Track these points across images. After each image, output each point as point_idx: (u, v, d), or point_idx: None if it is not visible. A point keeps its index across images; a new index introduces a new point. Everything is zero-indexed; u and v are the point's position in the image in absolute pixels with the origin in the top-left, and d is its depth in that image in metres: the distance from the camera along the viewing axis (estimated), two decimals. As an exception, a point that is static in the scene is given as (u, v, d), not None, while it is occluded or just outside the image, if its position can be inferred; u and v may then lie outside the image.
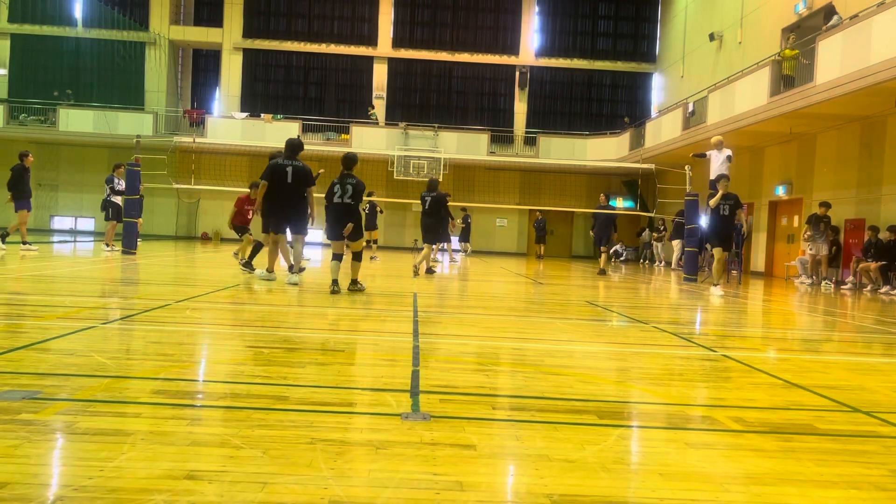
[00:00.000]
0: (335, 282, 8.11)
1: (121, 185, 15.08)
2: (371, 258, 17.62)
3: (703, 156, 14.26)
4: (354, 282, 8.36)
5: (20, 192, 13.39)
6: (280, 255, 9.64)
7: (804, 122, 15.86)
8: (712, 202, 10.57)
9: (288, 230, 9.30)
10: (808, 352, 5.76)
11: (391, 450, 2.46)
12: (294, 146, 8.83)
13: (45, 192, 27.36)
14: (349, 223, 8.17)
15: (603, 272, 15.20)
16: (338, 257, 8.38)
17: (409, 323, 5.89)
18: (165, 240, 24.98)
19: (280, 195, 8.67)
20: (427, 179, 13.07)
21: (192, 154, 23.64)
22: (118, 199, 15.07)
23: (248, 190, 12.00)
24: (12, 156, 14.04)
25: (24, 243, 13.33)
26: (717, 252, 10.98)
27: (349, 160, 8.43)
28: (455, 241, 22.72)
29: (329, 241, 8.67)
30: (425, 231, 12.27)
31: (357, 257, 8.66)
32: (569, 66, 29.52)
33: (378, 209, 18.67)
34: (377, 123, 27.50)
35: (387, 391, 3.38)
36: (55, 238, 21.30)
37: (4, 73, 28.28)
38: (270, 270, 9.31)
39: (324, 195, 8.51)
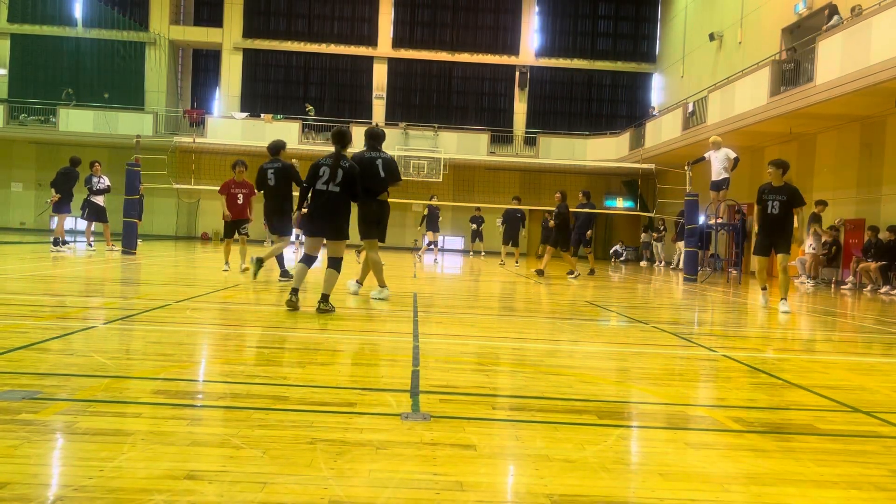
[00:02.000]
0: (295, 291, 6.30)
1: (101, 183, 14.96)
2: (434, 260, 17.78)
3: (701, 159, 14.24)
4: (325, 298, 6.22)
5: (69, 194, 14.13)
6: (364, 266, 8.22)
7: (804, 122, 15.86)
8: (757, 217, 8.46)
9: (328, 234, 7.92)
10: (808, 352, 5.77)
11: (391, 450, 2.46)
12: (376, 135, 7.56)
13: (46, 192, 27.28)
14: (332, 217, 6.40)
15: (592, 272, 15.16)
16: (308, 260, 6.54)
17: (409, 323, 5.88)
18: (165, 240, 24.98)
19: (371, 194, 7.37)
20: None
21: (192, 154, 23.64)
22: (99, 200, 14.97)
23: (233, 172, 10.68)
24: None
25: (58, 241, 13.96)
26: (757, 261, 8.93)
27: (342, 135, 6.53)
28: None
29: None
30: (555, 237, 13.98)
31: (335, 265, 6.47)
32: (569, 67, 29.53)
33: (437, 211, 19.03)
34: (309, 118, 27.31)
35: (387, 391, 3.38)
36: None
37: (4, 73, 28.29)
38: (384, 286, 7.80)
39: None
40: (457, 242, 29.13)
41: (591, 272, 15.17)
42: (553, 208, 13.96)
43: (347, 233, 6.53)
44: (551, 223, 14.11)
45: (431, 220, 18.99)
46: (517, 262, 18.66)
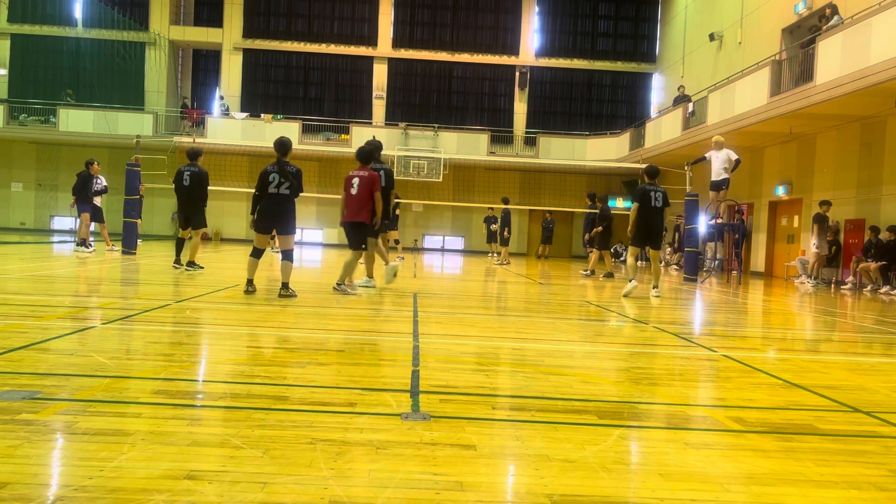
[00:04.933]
0: (250, 281, 7.55)
1: (98, 183, 14.91)
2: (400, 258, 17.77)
3: (703, 159, 14.23)
4: (285, 286, 7.35)
5: (84, 196, 14.39)
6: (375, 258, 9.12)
7: (804, 122, 15.85)
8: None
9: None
10: (808, 352, 5.77)
11: (391, 450, 2.46)
12: (375, 148, 8.64)
13: (45, 192, 27.38)
14: (281, 215, 7.49)
15: (592, 272, 15.08)
16: (258, 253, 7.69)
17: (409, 323, 5.88)
18: (165, 240, 24.96)
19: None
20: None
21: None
22: (96, 200, 14.92)
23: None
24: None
25: (81, 243, 14.09)
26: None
27: (283, 145, 7.55)
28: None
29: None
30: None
31: (287, 256, 7.53)
32: (569, 67, 29.51)
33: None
34: (228, 112, 27.31)
35: (387, 391, 3.38)
36: (55, 238, 21.30)
37: (4, 73, 28.28)
38: (371, 276, 8.91)
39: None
40: (457, 242, 29.13)
41: (591, 272, 15.15)
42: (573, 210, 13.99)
43: (295, 228, 7.71)
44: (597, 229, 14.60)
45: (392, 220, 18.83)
46: (506, 262, 18.58)
